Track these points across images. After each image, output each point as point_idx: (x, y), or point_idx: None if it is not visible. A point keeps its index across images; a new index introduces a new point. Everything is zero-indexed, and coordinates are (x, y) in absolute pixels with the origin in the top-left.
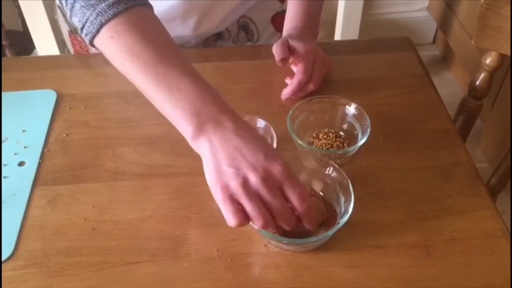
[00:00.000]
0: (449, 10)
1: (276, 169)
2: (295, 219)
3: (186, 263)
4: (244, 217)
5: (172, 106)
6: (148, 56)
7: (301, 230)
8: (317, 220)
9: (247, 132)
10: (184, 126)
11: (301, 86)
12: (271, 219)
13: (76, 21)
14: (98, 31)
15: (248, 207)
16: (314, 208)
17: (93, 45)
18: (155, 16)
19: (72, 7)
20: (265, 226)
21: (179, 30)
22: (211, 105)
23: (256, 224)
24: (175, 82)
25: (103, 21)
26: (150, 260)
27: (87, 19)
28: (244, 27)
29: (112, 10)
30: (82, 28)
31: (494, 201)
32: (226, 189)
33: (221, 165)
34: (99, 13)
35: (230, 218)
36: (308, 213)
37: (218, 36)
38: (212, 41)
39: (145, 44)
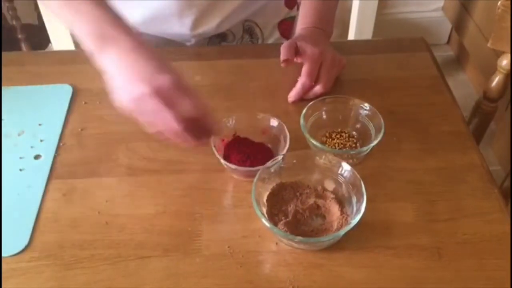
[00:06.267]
0: (464, 11)
1: (165, 81)
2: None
3: (197, 258)
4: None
5: (79, 27)
6: None
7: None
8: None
9: (141, 54)
10: (88, 44)
11: (305, 89)
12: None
13: None
14: None
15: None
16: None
17: None
18: None
19: None
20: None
21: (177, 28)
22: (113, 26)
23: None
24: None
25: None
26: (162, 255)
27: None
28: (249, 31)
29: None
30: None
31: (507, 205)
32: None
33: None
34: None
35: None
36: (205, 119)
37: (222, 38)
38: (216, 43)
39: None
